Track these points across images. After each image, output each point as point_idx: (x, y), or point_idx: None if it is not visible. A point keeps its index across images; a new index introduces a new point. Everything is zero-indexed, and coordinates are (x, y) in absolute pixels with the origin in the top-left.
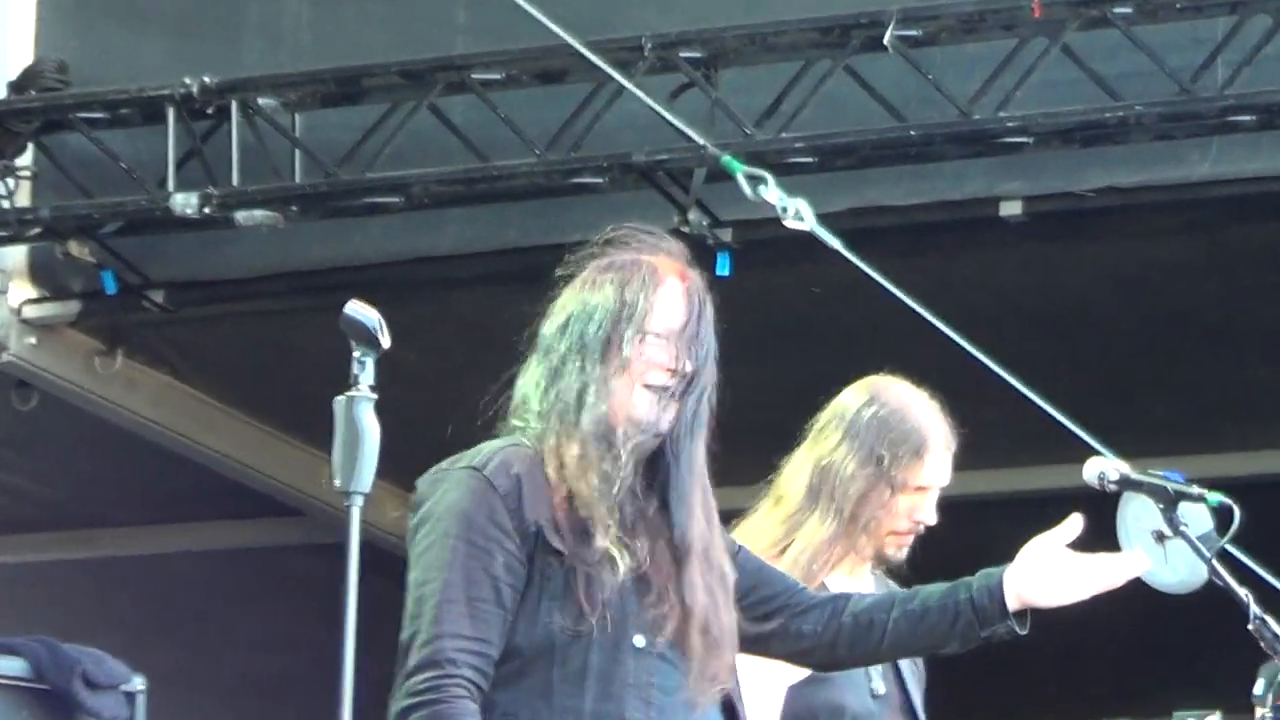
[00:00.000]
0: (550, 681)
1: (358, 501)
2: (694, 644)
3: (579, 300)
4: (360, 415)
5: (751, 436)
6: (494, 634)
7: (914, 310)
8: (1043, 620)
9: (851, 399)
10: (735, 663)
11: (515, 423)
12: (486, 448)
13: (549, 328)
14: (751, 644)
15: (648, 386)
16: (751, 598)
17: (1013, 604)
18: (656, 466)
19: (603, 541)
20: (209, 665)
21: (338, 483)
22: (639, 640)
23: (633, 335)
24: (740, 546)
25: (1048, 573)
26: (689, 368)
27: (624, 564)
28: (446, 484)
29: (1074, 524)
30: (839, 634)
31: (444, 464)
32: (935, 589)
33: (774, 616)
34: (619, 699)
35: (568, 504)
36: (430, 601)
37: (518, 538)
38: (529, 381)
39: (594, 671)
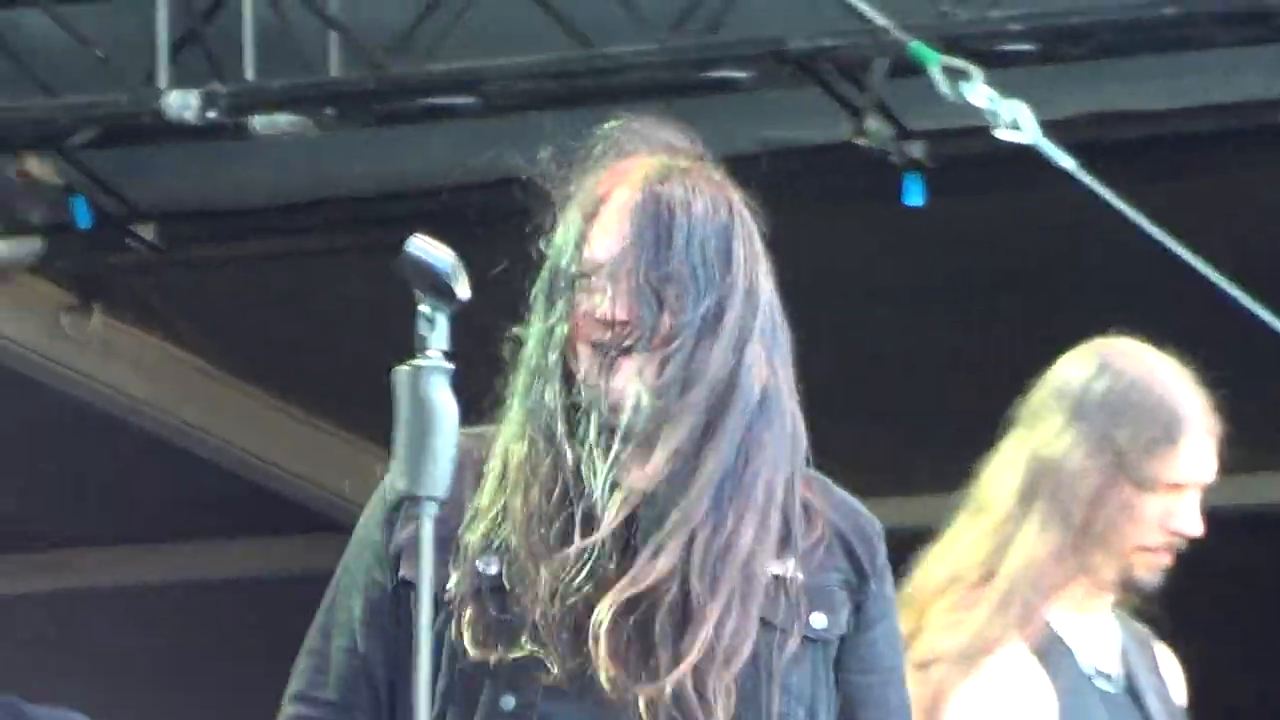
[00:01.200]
0: None
1: (430, 511)
2: (625, 696)
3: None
4: (431, 392)
5: (941, 425)
6: (357, 694)
7: (1172, 252)
8: None
9: (1075, 370)
10: None
11: None
12: None
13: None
14: None
15: (591, 344)
16: None
17: None
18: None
19: (491, 568)
20: None
21: (401, 485)
22: (507, 701)
23: (566, 277)
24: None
25: None
26: (622, 315)
27: (520, 597)
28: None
29: None
30: None
31: None
32: None
33: None
34: None
35: (490, 517)
36: (302, 648)
37: (388, 565)
38: None
39: None
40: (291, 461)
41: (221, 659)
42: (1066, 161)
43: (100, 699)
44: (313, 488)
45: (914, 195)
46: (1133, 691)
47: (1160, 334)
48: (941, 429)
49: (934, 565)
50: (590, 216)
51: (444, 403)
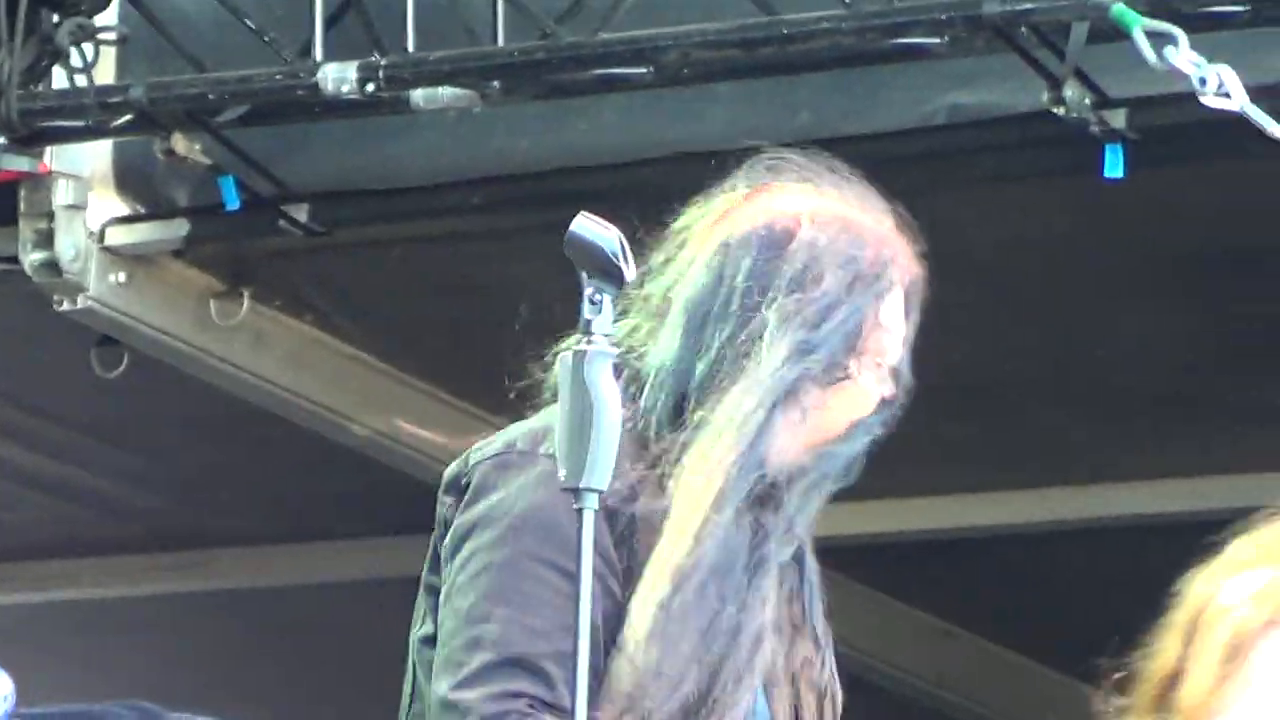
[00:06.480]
0: None
1: (591, 503)
2: None
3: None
4: (594, 379)
5: (1145, 411)
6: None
7: None
8: None
9: None
10: None
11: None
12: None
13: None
14: None
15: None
16: None
17: None
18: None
19: None
20: None
21: (563, 476)
22: None
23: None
24: None
25: None
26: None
27: None
28: (528, 476)
29: None
30: None
31: (519, 439)
32: None
33: None
34: None
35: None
36: (513, 646)
37: (617, 584)
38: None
39: None
40: (457, 454)
41: (375, 656)
42: (1276, 129)
43: (246, 708)
44: None
45: (1114, 166)
46: None
47: None
48: (1145, 415)
49: None
50: (883, 294)
51: (608, 392)
